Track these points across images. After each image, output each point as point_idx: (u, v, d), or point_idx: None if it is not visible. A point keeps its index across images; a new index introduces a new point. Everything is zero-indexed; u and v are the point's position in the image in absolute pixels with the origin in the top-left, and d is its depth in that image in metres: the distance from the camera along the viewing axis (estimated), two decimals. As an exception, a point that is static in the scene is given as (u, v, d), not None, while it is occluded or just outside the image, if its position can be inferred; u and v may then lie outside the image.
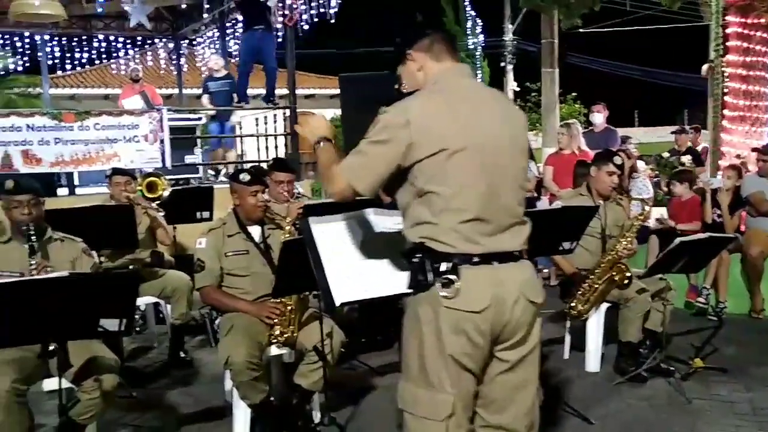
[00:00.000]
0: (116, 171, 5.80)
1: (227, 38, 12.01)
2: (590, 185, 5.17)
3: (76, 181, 8.64)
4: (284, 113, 10.47)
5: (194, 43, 13.90)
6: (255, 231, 4.20)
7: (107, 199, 5.71)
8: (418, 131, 2.23)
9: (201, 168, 9.95)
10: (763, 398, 4.38)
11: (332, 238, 2.56)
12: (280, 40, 10.31)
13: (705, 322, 6.12)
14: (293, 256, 3.49)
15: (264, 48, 9.76)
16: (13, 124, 7.60)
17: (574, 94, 27.04)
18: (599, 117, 8.33)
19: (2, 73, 17.46)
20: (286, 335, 3.85)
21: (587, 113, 11.26)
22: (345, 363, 4.94)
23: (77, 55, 13.36)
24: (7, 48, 13.56)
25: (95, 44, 13.22)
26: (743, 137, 9.21)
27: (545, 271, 7.53)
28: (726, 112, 9.26)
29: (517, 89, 21.66)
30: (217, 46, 12.30)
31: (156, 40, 14.06)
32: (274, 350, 3.93)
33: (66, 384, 3.17)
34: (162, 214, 5.57)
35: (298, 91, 11.21)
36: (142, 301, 5.39)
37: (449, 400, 2.24)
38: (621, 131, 9.47)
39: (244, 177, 4.15)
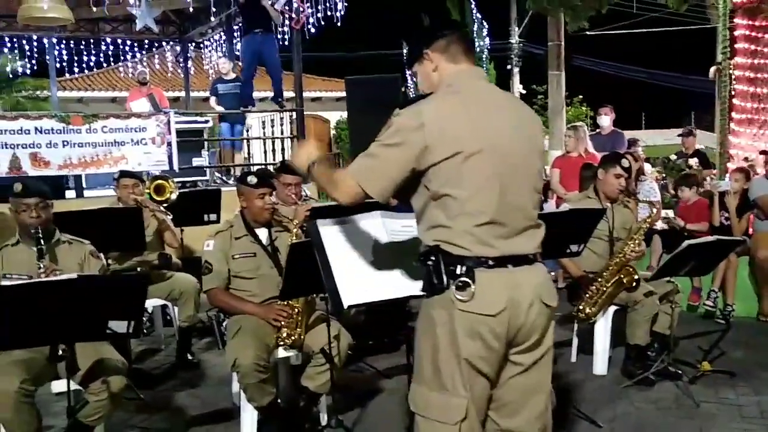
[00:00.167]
0: (124, 173, 5.82)
1: (234, 41, 12.04)
2: (597, 188, 5.16)
3: (84, 184, 8.68)
4: (291, 116, 10.49)
5: (201, 46, 13.93)
6: (262, 233, 4.21)
7: (115, 201, 5.71)
8: (433, 134, 2.21)
9: (208, 170, 9.98)
10: (772, 402, 4.37)
11: (340, 240, 2.57)
12: (286, 43, 10.34)
13: (713, 325, 6.10)
14: (300, 258, 3.49)
15: (265, 50, 9.78)
16: (21, 127, 7.64)
17: (580, 96, 27.04)
18: (606, 119, 8.31)
19: (10, 76, 17.57)
20: (293, 338, 3.85)
21: (594, 116, 11.26)
22: (352, 365, 4.93)
23: (85, 58, 13.41)
24: (15, 51, 13.62)
25: (103, 47, 13.27)
26: (751, 140, 9.21)
27: (552, 273, 7.47)
28: (734, 114, 9.26)
29: (524, 92, 21.64)
30: (224, 49, 12.33)
31: (163, 43, 14.11)
32: (281, 352, 3.93)
33: (74, 386, 3.19)
34: (170, 216, 5.58)
35: (305, 94, 11.23)
36: (149, 304, 5.39)
37: (462, 403, 2.23)
38: (628, 134, 9.45)
39: (252, 180, 4.15)
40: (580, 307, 4.84)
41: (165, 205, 5.63)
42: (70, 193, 8.60)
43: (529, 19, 20.69)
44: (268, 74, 10.20)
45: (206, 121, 10.52)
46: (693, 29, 19.73)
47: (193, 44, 13.99)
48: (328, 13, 10.31)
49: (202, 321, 5.80)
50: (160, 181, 5.80)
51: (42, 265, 3.46)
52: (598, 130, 8.57)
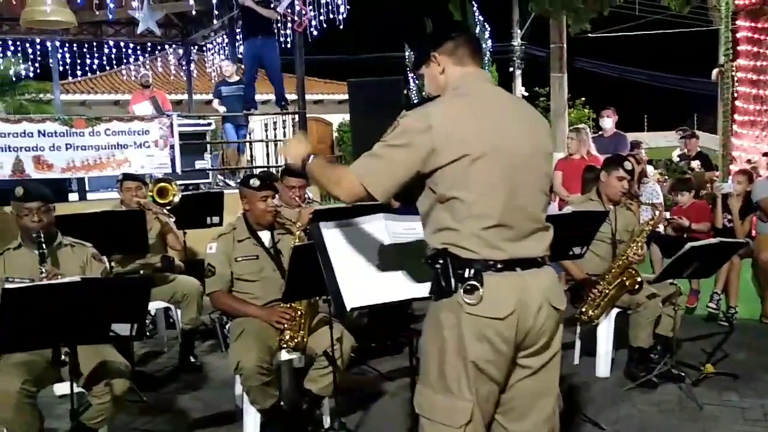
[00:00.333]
0: (127, 176, 5.83)
1: (237, 44, 12.06)
2: (600, 190, 5.16)
3: (87, 187, 8.70)
4: (293, 118, 10.50)
5: (204, 49, 13.96)
6: (265, 236, 4.21)
7: (118, 204, 5.73)
8: (440, 137, 2.20)
9: (211, 173, 9.99)
10: (775, 404, 4.36)
11: (343, 243, 2.57)
12: (289, 46, 10.35)
13: (716, 327, 6.09)
14: (303, 260, 3.50)
15: (265, 54, 9.79)
16: (24, 130, 7.66)
17: (582, 98, 27.00)
18: (608, 122, 8.30)
19: (13, 79, 17.60)
20: (296, 340, 3.85)
21: (596, 118, 11.25)
22: (355, 368, 4.93)
23: (88, 62, 13.45)
24: (18, 54, 13.65)
25: (105, 50, 13.30)
26: (753, 142, 9.20)
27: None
28: (736, 116, 9.25)
29: (526, 94, 21.58)
30: (227, 52, 12.35)
31: (166, 46, 14.14)
32: (284, 355, 3.93)
33: (77, 388, 3.19)
34: (173, 219, 5.59)
35: (307, 97, 11.23)
36: (152, 306, 5.39)
37: (468, 407, 2.22)
38: (630, 136, 9.45)
39: (254, 182, 4.15)
40: (583, 310, 4.84)
41: (168, 207, 5.64)
42: (73, 196, 8.63)
43: (531, 22, 20.68)
44: (269, 78, 10.21)
45: (209, 124, 10.53)
46: (695, 31, 19.73)
47: (196, 47, 14.03)
48: (331, 16, 10.32)
49: (204, 324, 5.80)
50: (163, 184, 5.80)
51: (44, 270, 3.46)
52: (600, 133, 8.56)
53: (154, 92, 10.70)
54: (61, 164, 7.78)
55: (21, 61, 14.90)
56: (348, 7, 10.36)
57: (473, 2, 17.20)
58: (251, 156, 10.77)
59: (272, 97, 10.35)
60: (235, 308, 4.06)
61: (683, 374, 4.64)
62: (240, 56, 11.73)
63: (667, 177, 8.73)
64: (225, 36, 12.55)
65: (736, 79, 9.25)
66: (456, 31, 2.49)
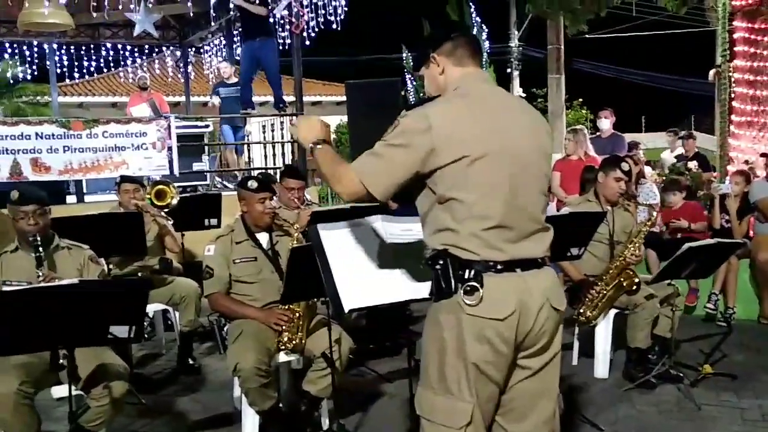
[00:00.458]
0: (125, 178, 5.82)
1: (234, 46, 12.05)
2: (598, 191, 5.16)
3: (85, 189, 8.68)
4: (291, 120, 10.49)
5: (201, 50, 13.95)
6: (263, 238, 4.21)
7: (116, 206, 5.73)
8: (439, 137, 2.20)
9: (208, 175, 9.99)
10: (773, 404, 4.37)
11: (340, 244, 2.57)
12: (286, 48, 10.34)
13: (714, 327, 6.10)
14: (301, 262, 3.50)
15: (263, 56, 9.78)
16: (22, 133, 7.64)
17: (580, 99, 27.06)
18: (606, 122, 8.32)
19: (11, 81, 17.60)
20: (294, 342, 3.85)
21: (594, 119, 11.26)
22: (353, 369, 4.94)
23: (85, 64, 13.39)
24: (15, 57, 13.64)
25: (103, 53, 13.27)
26: (751, 142, 9.22)
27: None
28: (733, 117, 9.27)
29: (523, 95, 21.60)
30: (224, 54, 12.35)
31: (163, 48, 14.12)
32: (282, 357, 3.93)
33: (75, 391, 3.19)
34: (171, 222, 5.58)
35: (305, 98, 11.24)
36: (150, 308, 5.39)
37: (468, 408, 2.22)
38: (628, 136, 9.46)
39: (252, 184, 4.16)
40: (581, 311, 4.85)
41: (166, 210, 5.63)
42: (71, 198, 8.62)
43: (529, 23, 20.71)
44: (267, 80, 10.21)
45: (206, 126, 10.53)
46: (692, 32, 19.77)
47: (193, 49, 14.00)
48: (329, 18, 10.32)
49: (203, 325, 5.80)
50: (161, 187, 5.80)
51: (41, 273, 3.46)
52: (598, 133, 8.57)
53: (151, 94, 10.69)
54: (59, 166, 7.76)
55: (18, 63, 14.89)
56: (346, 9, 10.36)
57: (470, 3, 17.22)
58: (249, 158, 10.77)
59: (270, 98, 10.34)
60: (234, 310, 4.06)
61: (681, 375, 4.65)
62: (238, 57, 11.73)
63: (665, 178, 8.74)
64: (222, 38, 12.54)
65: (733, 79, 9.27)
66: (455, 31, 2.49)
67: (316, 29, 10.38)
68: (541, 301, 2.28)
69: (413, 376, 3.02)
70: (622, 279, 4.74)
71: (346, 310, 2.53)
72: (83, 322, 2.92)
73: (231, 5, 10.23)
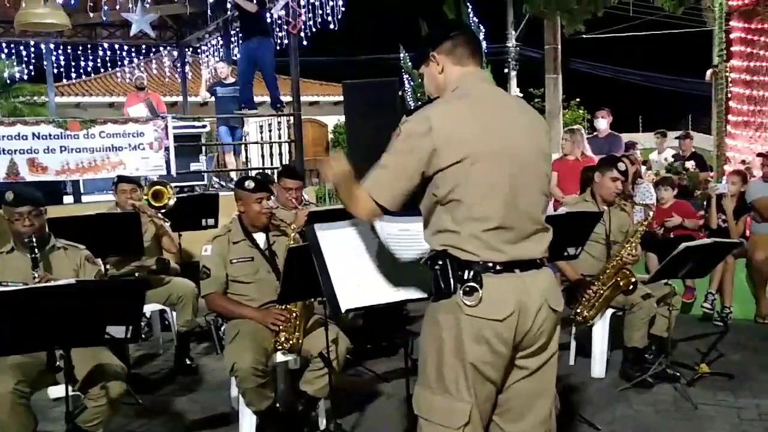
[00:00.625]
0: (122, 179, 5.81)
1: (231, 46, 12.05)
2: (594, 191, 5.17)
3: (82, 189, 8.69)
4: (288, 120, 10.50)
5: (199, 51, 13.94)
6: (260, 238, 4.21)
7: (113, 206, 5.72)
8: (440, 138, 2.20)
9: (206, 175, 9.99)
10: (770, 403, 4.38)
11: (337, 244, 2.57)
12: (283, 48, 10.34)
13: (710, 327, 6.11)
14: (298, 262, 3.51)
15: (260, 56, 9.77)
16: (18, 133, 7.63)
17: (577, 99, 27.07)
18: (603, 122, 8.32)
19: (8, 81, 17.58)
20: (291, 342, 3.86)
21: (591, 119, 11.27)
22: (350, 369, 4.94)
23: (82, 64, 13.38)
24: (12, 57, 13.62)
25: (100, 53, 13.25)
26: (747, 142, 9.22)
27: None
28: (730, 117, 9.27)
29: (521, 95, 21.63)
30: (222, 54, 12.34)
31: (161, 48, 14.11)
32: (279, 357, 3.93)
33: (72, 391, 3.18)
34: (168, 223, 5.58)
35: (302, 98, 11.23)
36: (147, 309, 5.39)
37: (466, 408, 2.23)
38: (625, 136, 9.46)
39: (249, 184, 4.16)
40: (578, 310, 4.86)
41: (163, 211, 5.62)
42: (68, 199, 8.62)
43: (526, 23, 20.75)
44: (264, 81, 10.21)
45: (204, 126, 10.53)
46: (689, 32, 19.80)
47: (191, 49, 14.00)
48: (326, 18, 10.32)
49: (200, 326, 5.80)
50: (158, 187, 5.79)
51: (37, 275, 3.45)
52: (595, 133, 8.58)
53: (149, 94, 10.68)
54: (56, 167, 7.76)
55: (15, 63, 14.89)
56: (343, 9, 10.36)
57: (468, 3, 17.24)
58: (247, 158, 10.78)
59: (268, 99, 10.34)
60: (231, 310, 4.06)
61: (678, 374, 4.66)
62: (235, 58, 11.74)
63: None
64: (220, 38, 12.54)
65: (729, 79, 9.28)
66: (455, 30, 2.49)
67: (314, 29, 10.38)
68: (539, 301, 2.28)
69: (410, 375, 3.03)
70: (618, 279, 4.75)
71: (343, 310, 2.53)
72: (80, 323, 2.92)
73: (228, 5, 10.22)
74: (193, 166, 9.56)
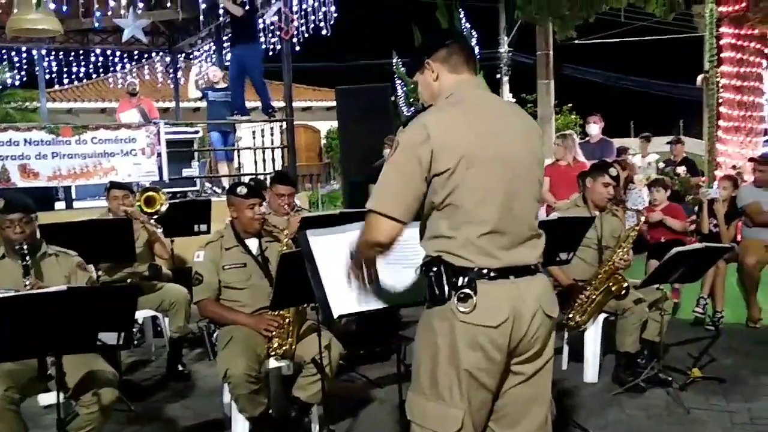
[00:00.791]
0: (114, 185, 5.80)
1: (224, 51, 12.05)
2: (586, 196, 5.19)
3: (74, 195, 8.65)
4: (281, 126, 10.49)
5: (191, 56, 13.94)
6: (252, 244, 4.21)
7: (105, 212, 5.70)
8: (437, 145, 2.21)
9: (198, 181, 9.97)
10: (761, 408, 4.39)
11: (330, 250, 2.58)
12: (276, 53, 10.35)
13: (702, 331, 6.13)
14: (291, 268, 3.50)
15: (248, 63, 9.77)
16: (10, 139, 7.62)
17: (569, 105, 27.15)
18: (595, 128, 8.35)
19: (0, 87, 17.53)
20: (284, 348, 3.85)
21: (583, 124, 11.31)
22: (343, 375, 4.93)
23: (74, 70, 13.39)
24: (4, 62, 13.61)
25: (92, 58, 13.25)
26: (738, 147, 9.28)
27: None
28: (721, 122, 9.32)
29: (513, 101, 21.70)
30: (214, 60, 12.34)
31: (153, 54, 14.11)
32: (272, 363, 3.93)
33: (64, 398, 3.17)
34: (160, 230, 5.56)
35: (295, 104, 11.23)
36: (140, 315, 5.37)
37: (459, 414, 2.23)
38: (617, 141, 9.50)
39: (241, 190, 4.15)
40: (570, 316, 4.86)
41: (155, 217, 5.60)
42: (60, 205, 8.57)
43: (518, 29, 20.80)
44: (254, 87, 10.20)
45: (196, 132, 10.51)
46: (681, 38, 19.90)
47: (183, 55, 14.00)
48: (318, 24, 10.34)
49: (192, 332, 5.78)
50: (150, 193, 5.78)
51: (28, 283, 3.44)
52: (587, 139, 8.61)
53: (141, 100, 10.66)
54: (48, 173, 7.74)
55: (7, 69, 14.87)
56: (335, 15, 10.38)
57: (460, 9, 17.30)
58: (239, 164, 10.75)
59: (260, 104, 10.35)
60: (223, 316, 4.05)
61: (670, 379, 4.66)
62: (227, 63, 11.74)
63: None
64: (212, 44, 12.54)
65: (720, 85, 9.33)
66: (450, 38, 2.50)
67: (306, 35, 10.40)
68: (534, 307, 2.29)
69: (403, 381, 3.03)
70: (610, 284, 4.76)
71: (336, 316, 2.53)
72: (72, 330, 2.91)
73: (220, 11, 10.23)
74: (186, 172, 9.54)
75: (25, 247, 3.51)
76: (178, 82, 14.06)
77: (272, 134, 10.73)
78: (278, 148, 10.55)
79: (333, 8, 10.32)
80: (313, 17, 10.27)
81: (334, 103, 10.34)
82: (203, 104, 10.86)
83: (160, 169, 8.19)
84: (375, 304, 2.59)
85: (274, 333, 3.88)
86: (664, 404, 4.48)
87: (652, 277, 4.61)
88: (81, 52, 13.14)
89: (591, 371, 4.96)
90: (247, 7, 9.68)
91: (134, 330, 5.70)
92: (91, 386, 3.32)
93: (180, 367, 5.34)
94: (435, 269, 2.26)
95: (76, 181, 8.03)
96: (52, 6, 9.15)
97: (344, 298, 2.52)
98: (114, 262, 5.27)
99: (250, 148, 11.77)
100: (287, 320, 3.89)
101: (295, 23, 9.91)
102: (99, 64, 13.44)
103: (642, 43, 23.48)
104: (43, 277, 3.64)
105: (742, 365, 5.20)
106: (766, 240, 6.40)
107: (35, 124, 9.16)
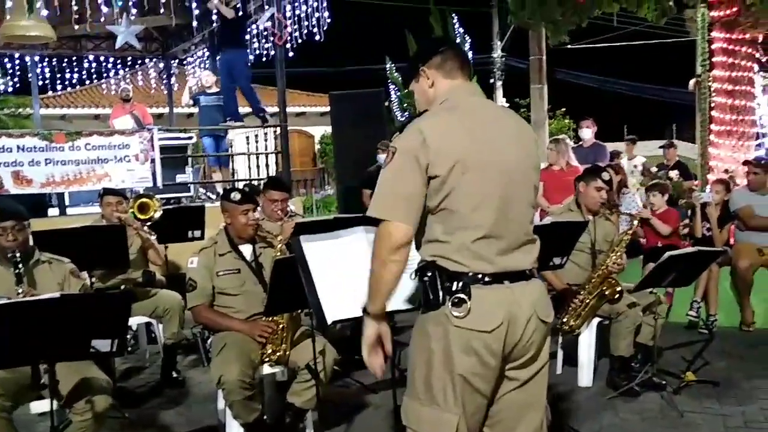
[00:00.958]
0: (107, 191, 5.79)
1: (217, 57, 12.05)
2: (579, 201, 5.20)
3: (67, 202, 8.63)
4: (275, 131, 10.49)
5: (184, 62, 13.93)
6: (246, 250, 4.20)
7: (98, 219, 5.69)
8: (433, 150, 2.21)
9: (192, 186, 9.96)
10: (755, 411, 4.40)
11: (323, 256, 2.58)
12: (269, 59, 10.36)
13: (696, 335, 6.14)
14: (285, 274, 3.50)
15: (234, 69, 9.78)
16: (3, 145, 7.61)
17: (563, 109, 27.23)
18: (588, 132, 8.38)
19: (-7, 94, 17.47)
20: (278, 354, 3.85)
21: (576, 128, 11.34)
22: (338, 380, 4.93)
23: (68, 76, 13.36)
24: (-3, 69, 13.58)
25: (85, 64, 13.23)
26: (730, 151, 9.31)
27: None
28: (713, 126, 9.35)
29: (506, 105, 21.75)
30: (208, 66, 12.33)
31: (146, 60, 14.09)
32: (266, 369, 3.92)
33: (57, 406, 3.16)
34: (154, 237, 5.55)
35: (289, 109, 11.23)
36: (133, 321, 5.37)
37: (453, 420, 2.23)
38: (610, 146, 9.52)
39: (235, 196, 4.16)
40: (564, 320, 4.87)
41: (149, 223, 5.59)
42: (53, 211, 8.56)
43: (511, 34, 20.86)
44: (242, 93, 10.20)
45: (190, 138, 10.51)
46: (673, 42, 19.97)
47: (176, 60, 13.99)
48: (312, 29, 10.35)
49: (186, 338, 5.76)
50: (144, 199, 5.76)
51: (21, 290, 3.43)
52: (580, 143, 8.64)
53: (134, 106, 10.65)
54: (41, 179, 7.73)
55: (0, 75, 14.81)
56: (329, 20, 10.39)
57: (453, 15, 17.34)
58: (233, 169, 10.77)
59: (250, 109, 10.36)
60: (217, 322, 4.05)
61: (664, 382, 4.68)
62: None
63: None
64: (206, 49, 12.54)
65: (712, 89, 9.36)
66: (444, 45, 2.52)
67: (299, 40, 10.40)
68: (529, 312, 2.29)
69: (398, 386, 3.03)
70: (604, 288, 4.77)
71: (330, 322, 2.54)
72: (65, 337, 2.90)
73: (214, 17, 10.24)
74: (180, 178, 9.53)
75: (17, 254, 3.50)
76: (172, 88, 14.06)
77: (266, 140, 10.74)
78: (272, 153, 10.55)
79: (326, 14, 10.33)
80: (306, 23, 10.28)
81: (328, 109, 10.34)
82: (196, 110, 10.85)
83: (153, 175, 8.18)
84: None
85: (268, 339, 3.88)
86: (658, 408, 4.49)
87: (646, 281, 4.62)
88: (74, 58, 13.13)
89: (585, 375, 4.97)
90: (240, 13, 9.69)
91: (128, 337, 5.71)
92: (84, 393, 3.31)
93: (174, 374, 5.33)
94: (429, 274, 2.26)
95: (69, 188, 8.02)
96: (44, 12, 9.13)
97: (338, 303, 2.53)
98: (107, 268, 5.26)
99: (244, 154, 11.77)
100: (281, 326, 3.89)
101: (289, 29, 9.92)
102: (92, 70, 13.42)
103: (634, 47, 23.58)
104: (36, 284, 3.63)
105: (736, 368, 5.22)
106: (759, 243, 6.44)
107: (28, 130, 9.16)
